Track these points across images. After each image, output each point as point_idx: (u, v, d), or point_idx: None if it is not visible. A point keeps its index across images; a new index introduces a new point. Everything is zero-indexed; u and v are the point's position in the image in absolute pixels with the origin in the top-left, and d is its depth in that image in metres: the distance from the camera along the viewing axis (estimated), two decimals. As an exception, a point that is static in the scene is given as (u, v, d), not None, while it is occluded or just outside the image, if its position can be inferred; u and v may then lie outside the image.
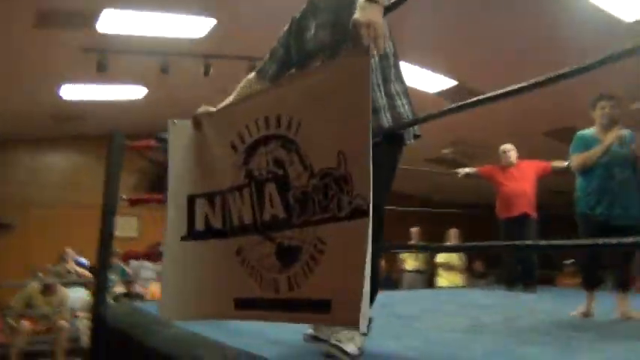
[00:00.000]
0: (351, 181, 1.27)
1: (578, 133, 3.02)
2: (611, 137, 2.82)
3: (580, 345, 2.01)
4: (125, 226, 8.80)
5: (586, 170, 2.89)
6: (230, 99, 1.93)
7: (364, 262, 1.19)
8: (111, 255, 3.07)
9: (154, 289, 5.71)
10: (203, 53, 5.64)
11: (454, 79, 5.94)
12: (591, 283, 2.90)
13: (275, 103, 1.51)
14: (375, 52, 1.24)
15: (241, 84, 1.95)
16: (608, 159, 2.82)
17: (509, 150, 4.61)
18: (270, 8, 4.26)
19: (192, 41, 5.30)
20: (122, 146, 3.07)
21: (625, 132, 2.87)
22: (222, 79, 6.25)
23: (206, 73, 5.76)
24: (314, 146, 1.39)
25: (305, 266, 1.40)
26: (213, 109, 1.84)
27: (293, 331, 1.73)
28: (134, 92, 6.80)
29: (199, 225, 1.74)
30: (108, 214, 2.93)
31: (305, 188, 1.41)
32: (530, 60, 4.48)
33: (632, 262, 2.98)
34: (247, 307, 1.58)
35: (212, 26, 5.02)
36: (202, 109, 1.85)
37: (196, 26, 5.05)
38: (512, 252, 4.45)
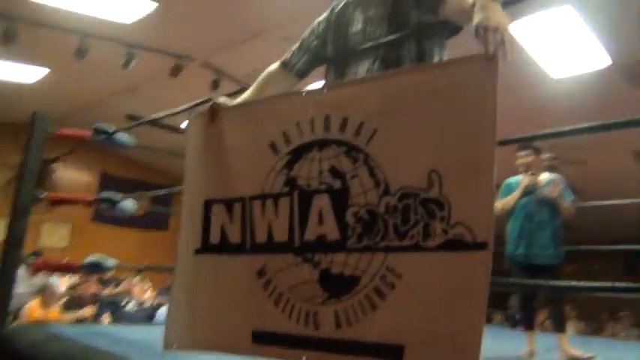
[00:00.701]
0: (449, 206, 1.07)
1: (505, 180, 3.23)
2: (524, 182, 3.06)
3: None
4: (54, 234, 7.89)
5: (509, 214, 3.11)
6: (247, 94, 1.67)
7: (474, 307, 0.98)
8: (17, 265, 2.55)
9: (33, 306, 4.87)
10: (128, 41, 5.23)
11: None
12: (529, 323, 3.08)
13: (342, 102, 1.28)
14: (505, 59, 1.07)
15: (261, 78, 1.68)
16: (527, 202, 3.05)
17: None
18: (221, 5, 4.03)
19: (118, 26, 4.84)
20: (45, 134, 2.59)
21: (544, 176, 3.12)
22: (140, 74, 5.91)
23: (126, 64, 5.34)
24: (393, 160, 1.17)
25: (364, 301, 1.15)
26: (233, 102, 1.57)
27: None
28: (30, 74, 5.95)
29: (214, 237, 1.44)
30: (19, 215, 2.42)
31: (373, 207, 1.17)
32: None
33: (563, 302, 3.19)
34: (269, 342, 1.28)
35: (147, 12, 4.63)
36: (222, 99, 1.57)
37: (129, 9, 4.51)
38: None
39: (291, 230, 1.29)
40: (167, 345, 1.45)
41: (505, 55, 1.05)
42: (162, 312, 5.43)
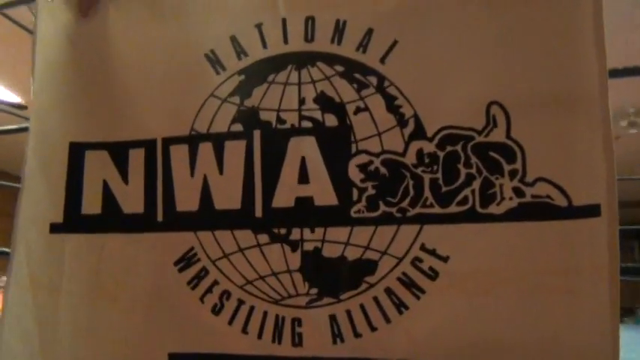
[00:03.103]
0: (523, 155, 0.74)
1: None
2: None
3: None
4: None
5: None
6: None
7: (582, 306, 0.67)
8: None
9: None
10: None
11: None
12: None
13: None
14: None
15: None
16: None
17: None
18: None
19: None
20: None
21: None
22: None
23: None
24: (427, 86, 0.78)
25: (384, 298, 0.75)
26: None
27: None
28: None
29: (90, 204, 0.84)
30: None
31: (396, 157, 0.78)
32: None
33: None
34: None
35: None
36: None
37: None
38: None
39: (247, 192, 0.81)
40: None
41: None
42: None
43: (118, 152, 0.86)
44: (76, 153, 0.87)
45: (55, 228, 0.86)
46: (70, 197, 0.86)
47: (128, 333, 0.82)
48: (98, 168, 0.86)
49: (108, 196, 0.85)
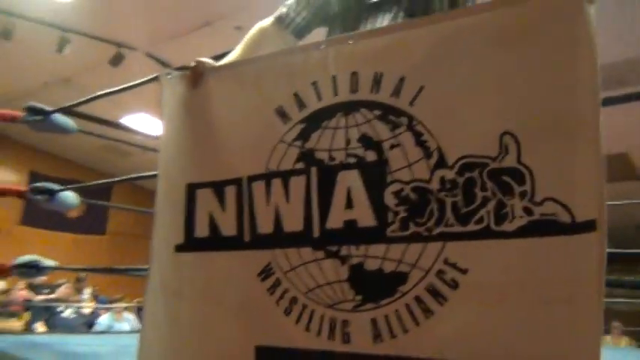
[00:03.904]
0: (532, 178, 0.82)
1: None
2: None
3: None
4: None
5: None
6: (234, 55, 1.37)
7: (577, 312, 0.74)
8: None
9: None
10: (61, 25, 4.75)
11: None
12: None
13: (374, 54, 1.01)
14: None
15: (249, 36, 1.39)
16: None
17: None
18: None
19: (52, 5, 4.36)
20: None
21: None
22: (76, 63, 5.42)
23: (60, 49, 4.86)
24: (449, 123, 0.92)
25: (414, 305, 0.89)
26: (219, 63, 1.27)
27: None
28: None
29: (201, 229, 1.13)
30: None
31: (423, 184, 0.91)
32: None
33: None
34: None
35: None
36: (205, 59, 1.27)
37: None
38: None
39: (307, 217, 1.01)
40: None
41: None
42: (103, 320, 4.94)
43: (218, 189, 1.12)
44: (191, 191, 1.16)
45: (178, 248, 1.15)
46: (188, 224, 1.15)
47: (227, 329, 1.07)
48: (205, 202, 1.14)
49: (212, 222, 1.12)
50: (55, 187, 2.60)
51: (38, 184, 2.61)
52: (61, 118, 2.66)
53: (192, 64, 1.22)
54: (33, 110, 2.55)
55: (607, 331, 6.55)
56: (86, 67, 5.79)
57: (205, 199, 1.14)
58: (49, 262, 2.37)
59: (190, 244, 1.13)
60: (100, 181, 2.88)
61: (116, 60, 5.45)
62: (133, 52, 5.53)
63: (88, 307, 5.31)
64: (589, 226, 0.76)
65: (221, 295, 1.08)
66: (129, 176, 2.42)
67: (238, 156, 1.12)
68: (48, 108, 2.51)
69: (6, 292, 5.34)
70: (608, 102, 0.85)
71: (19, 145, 7.75)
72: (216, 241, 1.11)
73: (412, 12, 1.20)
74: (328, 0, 1.33)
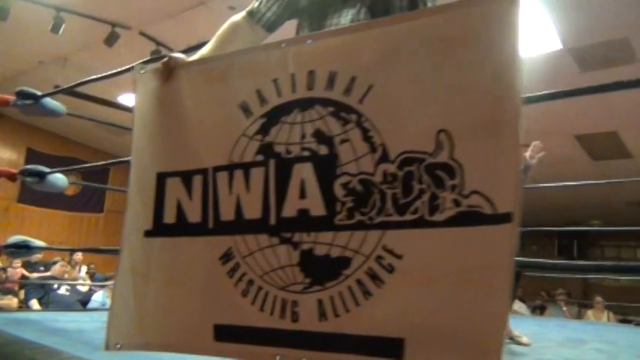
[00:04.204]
0: (462, 172, 0.90)
1: None
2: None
3: None
4: None
5: None
6: (206, 49, 1.44)
7: (491, 291, 0.83)
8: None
9: None
10: (56, 4, 4.77)
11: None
12: None
13: (330, 54, 1.08)
14: None
15: (222, 29, 1.45)
16: None
17: None
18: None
19: None
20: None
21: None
22: (72, 43, 5.45)
23: (55, 29, 4.89)
24: (393, 120, 0.99)
25: (356, 287, 0.97)
26: (190, 58, 1.34)
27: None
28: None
29: (169, 216, 1.21)
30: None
31: (368, 177, 0.99)
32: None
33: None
34: (235, 339, 1.09)
35: None
36: (178, 54, 1.33)
37: None
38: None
39: (265, 206, 1.09)
40: (109, 345, 1.21)
41: None
42: (97, 297, 5.06)
43: (186, 178, 1.20)
44: (161, 180, 1.24)
45: (147, 233, 1.23)
46: (157, 211, 1.23)
47: (189, 308, 1.16)
48: (174, 190, 1.22)
49: (179, 209, 1.20)
50: (45, 169, 2.69)
51: (28, 167, 2.69)
52: (50, 102, 2.73)
53: (165, 59, 1.28)
54: (23, 94, 2.61)
55: (590, 306, 6.72)
56: (81, 46, 5.82)
57: (174, 187, 1.21)
58: (38, 243, 2.47)
59: (159, 229, 1.22)
60: (96, 164, 2.96)
61: (111, 39, 5.47)
62: (127, 32, 5.55)
63: (82, 285, 5.43)
64: (507, 217, 0.84)
65: (185, 278, 1.17)
66: (124, 159, 2.50)
67: (205, 148, 1.20)
68: (38, 92, 2.57)
69: (2, 269, 5.46)
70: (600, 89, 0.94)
71: (16, 123, 7.81)
72: (182, 227, 1.19)
73: (373, 9, 1.26)
74: None
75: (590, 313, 6.61)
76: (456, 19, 0.95)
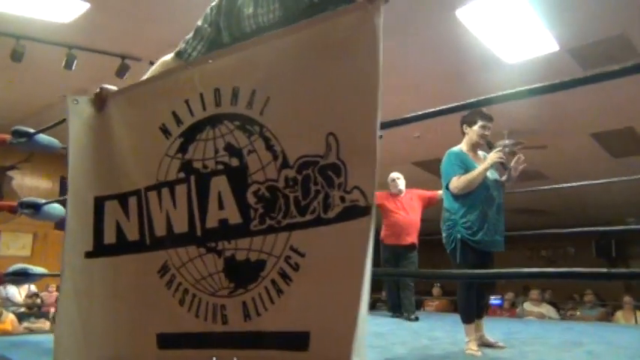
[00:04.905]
0: (345, 170, 0.97)
1: (452, 151, 2.69)
2: (494, 157, 2.54)
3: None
4: (14, 244, 7.51)
5: (467, 193, 2.56)
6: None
7: (361, 279, 0.89)
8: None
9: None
10: (67, 42, 4.93)
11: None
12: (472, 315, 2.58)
13: (230, 71, 1.16)
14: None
15: (154, 68, 1.52)
16: (488, 182, 2.58)
17: (397, 178, 4.54)
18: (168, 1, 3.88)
19: (56, 26, 4.56)
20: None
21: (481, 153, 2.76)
22: (87, 74, 5.61)
23: (68, 65, 5.06)
24: (289, 128, 1.06)
25: (270, 287, 1.04)
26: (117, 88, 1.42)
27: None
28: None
29: (109, 236, 1.29)
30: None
31: (273, 183, 1.06)
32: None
33: (490, 288, 2.97)
34: (176, 345, 1.16)
35: (83, 11, 4.37)
36: (108, 86, 1.42)
37: (64, 8, 4.28)
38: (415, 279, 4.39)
39: (191, 219, 1.17)
40: None
41: None
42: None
43: (123, 200, 1.29)
44: (99, 203, 1.32)
45: (88, 254, 1.32)
46: (97, 233, 1.32)
47: (133, 321, 1.24)
48: (112, 212, 1.30)
49: (119, 230, 1.29)
50: (40, 200, 2.84)
51: (24, 200, 2.84)
52: (44, 138, 2.87)
53: (97, 90, 1.37)
54: (18, 133, 2.77)
55: (619, 307, 6.27)
56: (96, 79, 5.97)
57: (112, 209, 1.30)
58: (37, 270, 2.61)
59: (100, 250, 1.30)
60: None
61: (121, 71, 5.61)
62: (137, 63, 5.67)
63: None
64: (371, 209, 0.91)
65: (128, 292, 1.25)
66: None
67: (136, 169, 1.28)
68: (31, 130, 2.73)
69: (35, 295, 5.66)
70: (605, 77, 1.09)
71: (49, 155, 8.03)
72: (122, 246, 1.27)
73: None
74: (219, 33, 1.46)
75: (619, 314, 6.11)
76: (327, 29, 1.02)
